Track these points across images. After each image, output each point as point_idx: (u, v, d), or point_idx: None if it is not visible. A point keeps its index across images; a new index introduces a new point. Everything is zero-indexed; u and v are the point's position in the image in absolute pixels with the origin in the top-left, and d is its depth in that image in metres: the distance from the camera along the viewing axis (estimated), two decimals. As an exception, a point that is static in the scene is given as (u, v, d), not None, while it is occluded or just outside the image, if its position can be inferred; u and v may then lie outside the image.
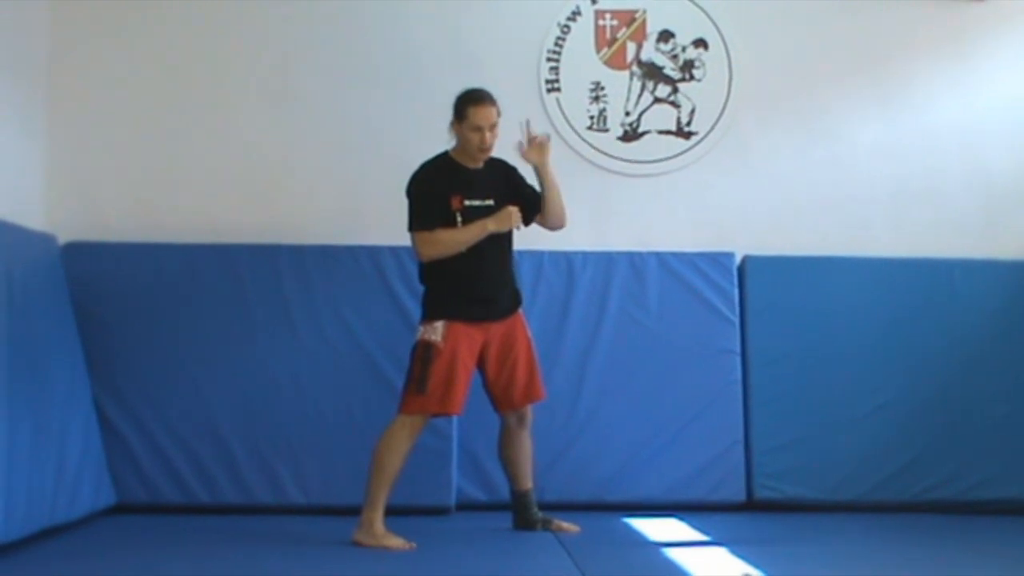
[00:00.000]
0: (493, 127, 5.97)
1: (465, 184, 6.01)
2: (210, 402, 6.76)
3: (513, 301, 6.20)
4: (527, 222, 6.20)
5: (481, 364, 6.11)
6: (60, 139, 7.08)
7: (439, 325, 5.94)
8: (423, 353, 5.91)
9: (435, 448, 6.59)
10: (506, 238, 6.13)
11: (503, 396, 6.15)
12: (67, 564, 5.34)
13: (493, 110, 5.96)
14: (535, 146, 6.20)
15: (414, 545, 5.72)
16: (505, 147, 6.20)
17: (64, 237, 6.82)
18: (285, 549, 5.72)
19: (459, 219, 5.96)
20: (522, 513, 6.28)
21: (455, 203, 5.97)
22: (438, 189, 5.99)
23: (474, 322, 6.00)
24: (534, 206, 6.22)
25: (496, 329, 6.09)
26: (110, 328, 6.75)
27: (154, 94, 7.20)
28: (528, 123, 6.25)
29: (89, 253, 6.83)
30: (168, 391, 6.75)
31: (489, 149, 6.02)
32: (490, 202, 6.02)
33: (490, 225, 5.95)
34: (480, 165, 6.09)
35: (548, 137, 6.29)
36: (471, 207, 5.98)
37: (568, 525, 6.23)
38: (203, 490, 6.69)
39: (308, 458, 6.74)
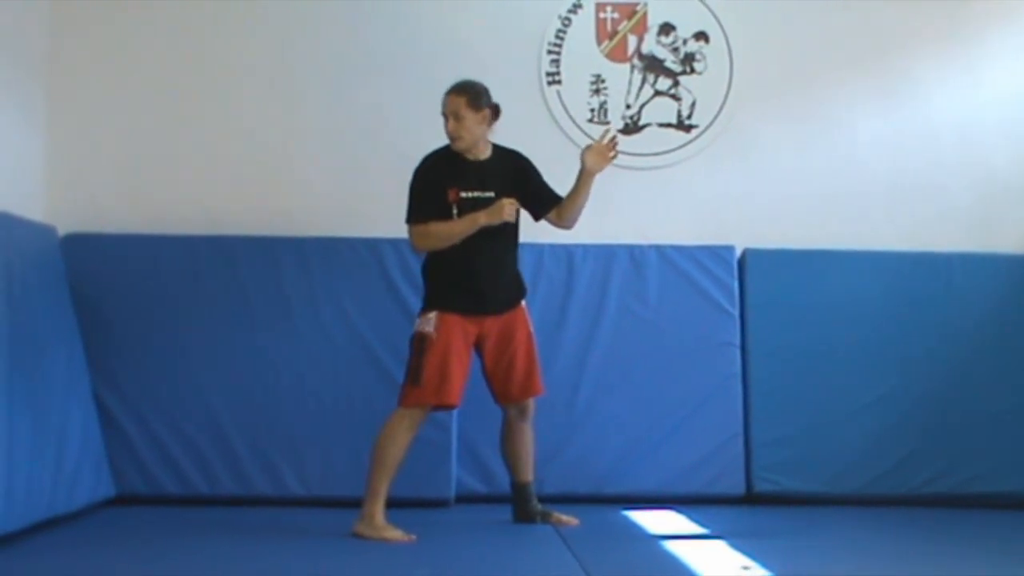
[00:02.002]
0: (457, 116, 5.94)
1: (464, 175, 6.01)
2: (210, 394, 6.76)
3: (514, 295, 6.19)
4: (536, 218, 6.23)
5: (481, 356, 6.12)
6: (60, 131, 7.08)
7: (432, 316, 5.95)
8: (418, 345, 5.93)
9: (435, 440, 6.59)
10: (510, 231, 6.12)
11: (501, 389, 6.16)
12: (66, 555, 5.34)
13: (456, 99, 5.96)
14: (600, 153, 6.13)
15: (414, 537, 5.72)
16: (512, 140, 6.23)
17: (63, 228, 6.82)
18: (285, 541, 5.72)
19: (455, 211, 5.96)
20: (522, 505, 6.28)
21: (451, 195, 5.97)
22: (436, 181, 6.00)
23: (468, 315, 6.01)
24: (543, 203, 6.22)
25: (492, 323, 6.08)
26: (109, 319, 6.76)
27: (154, 86, 7.20)
28: (609, 132, 6.29)
29: (88, 245, 6.84)
30: (167, 382, 6.76)
31: (455, 137, 5.99)
32: (490, 194, 6.00)
33: (481, 218, 5.92)
34: (485, 156, 6.09)
35: (617, 154, 6.24)
36: (468, 199, 5.98)
37: (567, 518, 6.23)
38: (202, 482, 6.70)
39: (308, 450, 6.74)
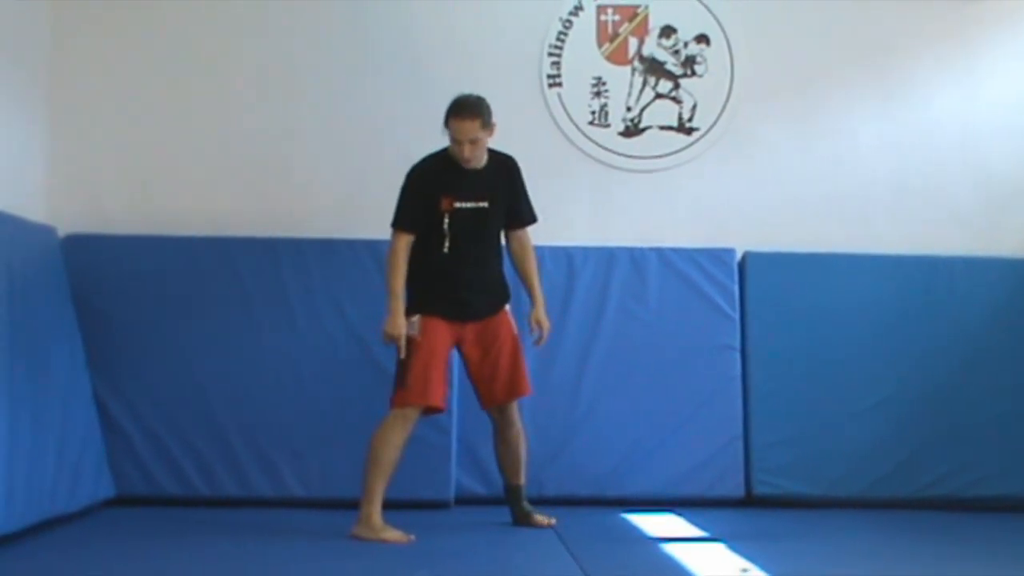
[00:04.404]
0: (474, 141, 5.91)
1: (458, 185, 6.00)
2: (210, 395, 6.76)
3: (497, 300, 6.18)
4: (505, 228, 6.23)
5: (464, 360, 6.16)
6: (61, 131, 7.09)
7: (416, 320, 5.97)
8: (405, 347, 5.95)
9: (434, 442, 6.60)
10: (494, 238, 6.15)
11: (486, 393, 6.17)
12: (66, 555, 5.35)
13: (471, 124, 5.89)
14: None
15: (412, 538, 5.72)
16: (512, 142, 6.23)
17: (64, 229, 6.82)
18: (284, 542, 5.72)
19: (446, 221, 5.96)
20: (512, 507, 6.28)
21: (444, 204, 5.97)
22: (428, 188, 6.01)
23: (449, 319, 6.02)
24: (512, 219, 6.22)
25: (472, 329, 6.10)
26: (110, 320, 6.76)
27: (155, 87, 7.21)
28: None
29: (89, 245, 6.84)
30: (168, 383, 6.76)
31: (471, 161, 5.96)
32: (484, 204, 6.02)
33: (389, 319, 5.97)
34: (482, 164, 6.06)
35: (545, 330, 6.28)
36: (461, 210, 5.99)
37: (543, 519, 6.23)
38: (202, 482, 6.70)
39: (307, 451, 6.74)
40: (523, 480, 6.29)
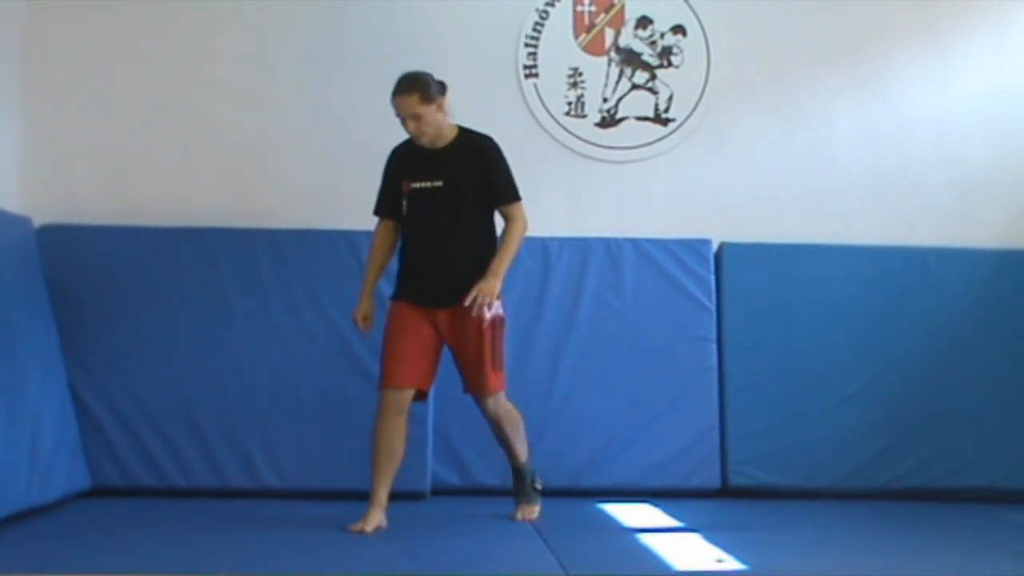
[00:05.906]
0: (416, 117, 5.86)
1: (417, 166, 5.99)
2: (185, 386, 6.75)
3: (464, 288, 5.89)
4: (482, 209, 6.06)
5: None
6: (36, 121, 7.06)
7: (389, 304, 6.04)
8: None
9: (411, 433, 6.54)
10: (462, 227, 6.00)
11: (463, 380, 6.09)
12: (40, 547, 5.31)
13: (408, 99, 5.86)
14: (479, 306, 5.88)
15: (368, 530, 5.71)
16: (488, 132, 6.16)
17: (39, 219, 6.79)
18: (260, 533, 5.70)
19: (405, 203, 6.00)
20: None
21: (405, 187, 6.00)
22: (393, 171, 6.09)
23: (417, 305, 5.99)
24: (490, 197, 6.06)
25: (444, 315, 5.99)
26: (85, 311, 6.74)
27: (130, 76, 7.18)
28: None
29: (64, 235, 6.81)
30: (143, 374, 6.73)
31: (420, 136, 5.92)
32: (438, 183, 5.94)
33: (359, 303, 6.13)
34: (445, 143, 6.02)
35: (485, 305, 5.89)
36: (418, 190, 5.97)
37: (521, 515, 6.20)
38: (178, 474, 6.68)
39: (283, 442, 6.73)
40: (518, 463, 6.22)
